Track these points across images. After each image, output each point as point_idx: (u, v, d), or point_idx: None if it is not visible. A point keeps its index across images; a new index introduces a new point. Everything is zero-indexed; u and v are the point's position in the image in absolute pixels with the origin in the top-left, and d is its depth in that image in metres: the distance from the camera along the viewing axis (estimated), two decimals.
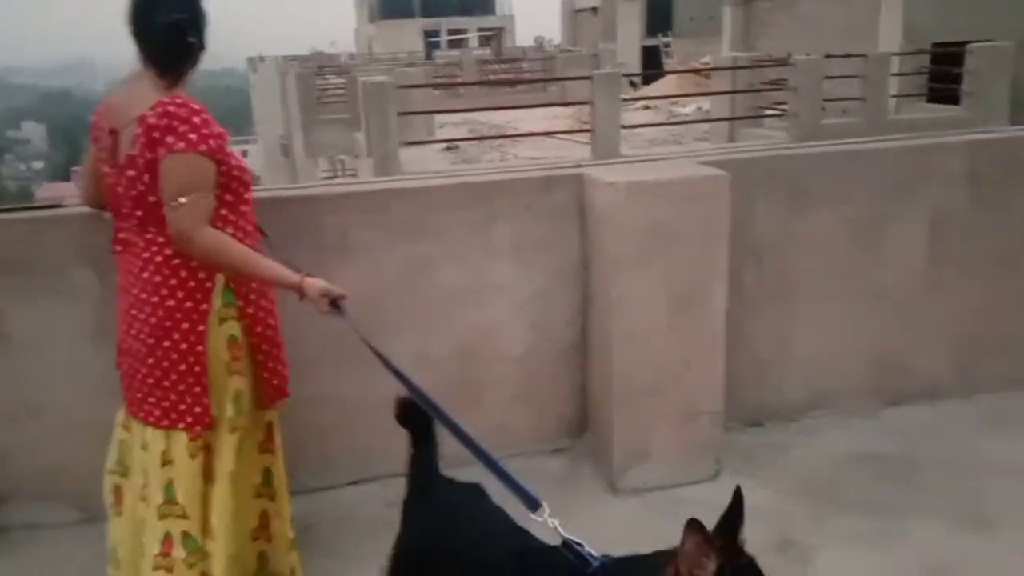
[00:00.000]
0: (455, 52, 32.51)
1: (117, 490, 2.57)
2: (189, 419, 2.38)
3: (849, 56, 12.65)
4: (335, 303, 2.40)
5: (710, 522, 1.44)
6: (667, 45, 28.53)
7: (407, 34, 40.35)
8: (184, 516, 2.38)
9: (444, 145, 13.25)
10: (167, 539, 2.37)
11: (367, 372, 2.39)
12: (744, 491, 1.51)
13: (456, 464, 2.10)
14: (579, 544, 1.69)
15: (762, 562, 1.49)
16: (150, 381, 2.38)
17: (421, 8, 44.07)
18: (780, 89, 12.63)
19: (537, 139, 12.47)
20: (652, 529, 1.74)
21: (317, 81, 18.28)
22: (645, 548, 1.67)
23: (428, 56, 31.61)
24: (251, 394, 2.52)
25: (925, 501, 3.19)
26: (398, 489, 2.22)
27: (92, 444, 2.64)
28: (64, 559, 2.97)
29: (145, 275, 2.36)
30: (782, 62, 13.25)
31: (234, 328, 2.43)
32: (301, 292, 2.37)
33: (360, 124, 11.98)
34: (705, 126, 13.98)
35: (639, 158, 5.22)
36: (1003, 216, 3.89)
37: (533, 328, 3.49)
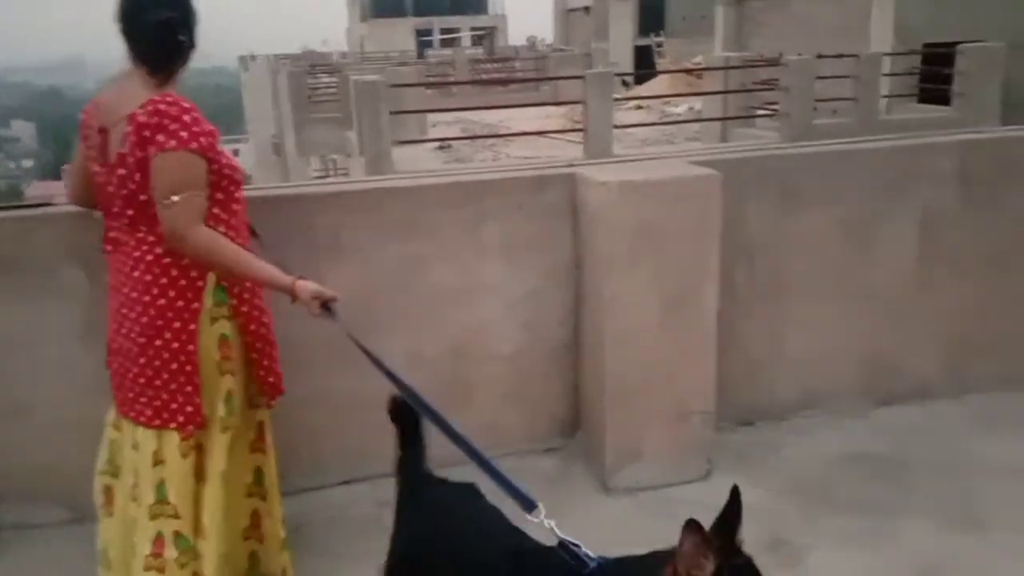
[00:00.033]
0: (447, 51, 32.48)
1: (107, 490, 2.56)
2: (181, 418, 2.37)
3: (841, 56, 12.69)
4: (327, 306, 2.40)
5: (706, 521, 1.43)
6: (659, 45, 28.58)
7: (399, 33, 40.30)
8: (176, 516, 2.37)
9: (436, 144, 13.24)
10: (158, 539, 2.36)
11: (359, 373, 2.38)
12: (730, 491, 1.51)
13: (450, 463, 2.10)
14: (576, 545, 1.68)
15: (755, 562, 1.49)
16: (141, 380, 2.37)
17: (413, 7, 44.02)
18: (772, 89, 12.66)
19: (529, 138, 12.48)
20: (644, 528, 1.74)
21: (309, 80, 18.25)
22: (638, 547, 1.67)
23: (420, 55, 31.58)
24: (242, 393, 2.52)
25: (916, 501, 3.20)
26: (389, 489, 2.21)
27: (82, 444, 2.62)
28: (54, 559, 2.96)
29: (136, 274, 2.35)
30: (774, 62, 13.28)
31: (225, 327, 2.42)
32: (293, 295, 2.37)
33: (352, 123, 11.98)
34: (697, 126, 14.01)
35: (631, 158, 5.22)
36: (993, 216, 3.90)
37: (525, 327, 3.49)
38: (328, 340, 2.53)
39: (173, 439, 2.37)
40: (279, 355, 2.63)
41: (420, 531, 2.05)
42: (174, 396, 2.36)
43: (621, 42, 29.61)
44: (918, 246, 3.84)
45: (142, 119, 2.25)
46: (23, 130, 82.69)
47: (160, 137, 2.23)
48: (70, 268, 2.99)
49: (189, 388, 2.37)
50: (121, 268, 2.40)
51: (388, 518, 2.17)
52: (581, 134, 10.88)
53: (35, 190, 45.45)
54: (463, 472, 2.03)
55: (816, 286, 3.77)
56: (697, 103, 15.40)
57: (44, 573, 2.95)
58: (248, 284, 2.46)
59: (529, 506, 1.79)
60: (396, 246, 3.28)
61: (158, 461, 2.38)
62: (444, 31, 42.68)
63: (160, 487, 2.37)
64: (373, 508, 2.96)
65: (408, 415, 2.19)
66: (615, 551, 1.71)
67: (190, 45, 2.39)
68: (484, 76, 21.33)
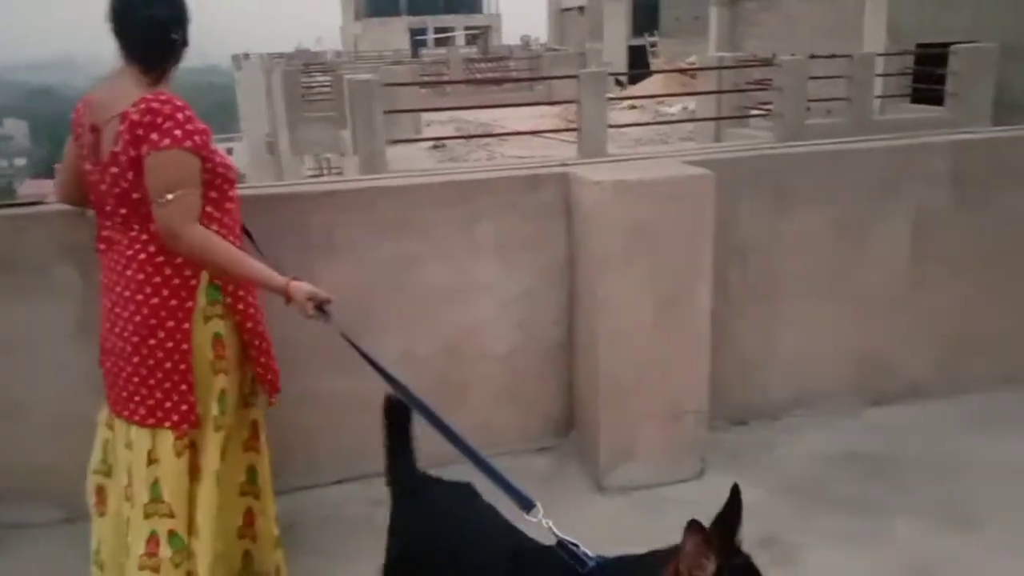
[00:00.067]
0: (442, 50, 32.48)
1: (100, 490, 2.55)
2: (175, 417, 2.37)
3: (834, 57, 12.73)
4: (321, 307, 2.39)
5: (703, 521, 1.44)
6: (653, 45, 28.63)
7: (393, 32, 40.30)
8: (170, 515, 2.36)
9: (431, 143, 13.24)
10: (153, 538, 2.35)
11: (353, 373, 2.38)
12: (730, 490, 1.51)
13: (445, 463, 2.10)
14: (575, 545, 1.68)
15: (754, 561, 1.49)
16: (135, 379, 2.36)
17: (408, 6, 43.99)
18: (765, 89, 12.69)
19: (524, 138, 12.48)
20: (638, 527, 1.75)
21: (303, 79, 18.22)
22: (632, 547, 1.68)
23: (415, 54, 31.58)
24: (236, 392, 2.51)
25: (908, 500, 3.21)
26: (382, 488, 2.21)
27: (75, 443, 2.61)
28: (47, 559, 2.95)
29: (129, 273, 2.35)
30: (767, 62, 13.32)
31: (219, 326, 2.42)
32: (287, 296, 2.36)
33: (346, 122, 11.95)
34: (691, 126, 14.02)
35: (625, 157, 5.22)
36: (986, 216, 3.91)
37: (519, 327, 3.49)
38: (322, 340, 2.53)
39: (167, 438, 2.37)
40: (275, 353, 2.63)
41: (418, 531, 2.04)
42: (168, 395, 2.36)
43: (615, 42, 29.65)
44: (911, 246, 3.85)
45: (135, 117, 2.24)
46: (16, 128, 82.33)
47: (154, 136, 2.23)
48: (63, 267, 2.98)
49: (183, 387, 2.36)
50: (114, 267, 2.39)
51: (381, 517, 2.17)
52: (575, 134, 10.89)
53: (28, 188, 45.32)
54: (459, 471, 2.03)
55: (809, 286, 3.78)
56: (691, 103, 15.40)
57: (37, 573, 2.94)
58: (242, 283, 2.46)
59: (527, 506, 1.79)
60: (390, 245, 3.28)
61: (152, 460, 2.37)
62: (438, 30, 42.68)
63: (154, 486, 2.36)
64: (367, 507, 2.96)
65: (401, 416, 2.19)
66: (609, 550, 1.71)
67: (182, 43, 2.38)
68: (478, 75, 21.34)
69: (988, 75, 12.05)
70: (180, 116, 2.25)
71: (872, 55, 13.18)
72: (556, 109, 15.49)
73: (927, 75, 13.70)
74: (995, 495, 3.23)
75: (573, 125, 11.20)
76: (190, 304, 2.36)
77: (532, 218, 3.40)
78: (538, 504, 1.79)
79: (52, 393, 3.05)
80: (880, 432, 3.73)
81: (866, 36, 15.47)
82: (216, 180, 2.37)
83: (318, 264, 3.06)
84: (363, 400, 2.30)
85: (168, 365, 2.35)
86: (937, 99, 12.90)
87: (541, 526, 1.75)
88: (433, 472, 2.17)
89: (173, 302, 2.34)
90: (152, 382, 2.35)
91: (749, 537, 1.50)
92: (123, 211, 2.33)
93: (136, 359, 2.35)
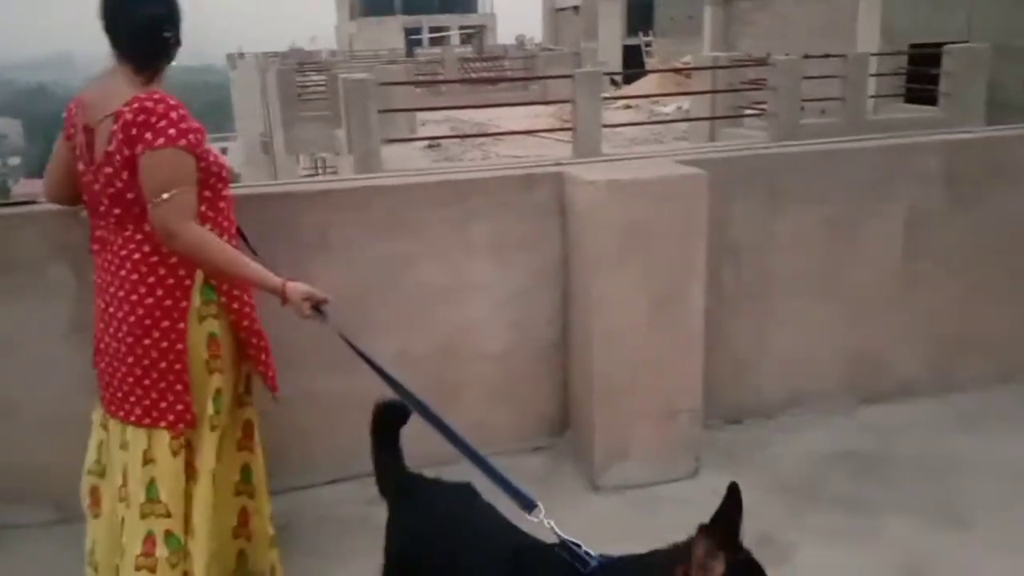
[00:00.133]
0: (436, 50, 32.43)
1: (94, 491, 2.54)
2: (171, 417, 2.36)
3: (828, 56, 12.76)
4: (317, 307, 2.39)
5: (698, 520, 1.44)
6: (648, 44, 28.61)
7: (388, 31, 40.22)
8: (167, 515, 2.36)
9: (426, 143, 13.23)
10: (149, 538, 2.34)
11: (348, 373, 2.38)
12: (724, 488, 1.51)
13: (442, 462, 2.10)
14: (576, 544, 1.68)
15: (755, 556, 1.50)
16: (130, 380, 2.36)
17: (402, 6, 43.95)
18: (760, 89, 12.70)
19: (518, 137, 12.48)
20: (633, 526, 1.75)
21: (297, 78, 18.23)
22: (627, 545, 1.68)
23: (409, 54, 31.53)
24: (231, 391, 2.51)
25: (901, 498, 3.22)
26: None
27: (69, 443, 2.61)
28: (41, 560, 2.94)
29: (123, 273, 2.34)
30: (762, 62, 13.34)
31: (214, 325, 2.41)
32: (283, 296, 2.35)
33: (341, 121, 11.95)
34: (685, 125, 14.04)
35: (619, 157, 5.23)
36: (979, 216, 3.93)
37: (514, 326, 3.49)
38: (317, 340, 2.53)
39: (163, 438, 2.36)
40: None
41: (418, 531, 2.04)
42: (163, 395, 2.35)
43: (610, 41, 29.63)
44: (904, 245, 3.86)
45: (129, 117, 2.23)
46: (9, 127, 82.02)
47: (148, 135, 2.22)
48: (56, 266, 2.98)
49: (179, 386, 2.36)
50: (108, 267, 2.39)
51: (377, 517, 2.16)
52: (570, 133, 10.89)
53: (21, 188, 45.10)
54: (455, 470, 2.03)
55: (803, 285, 3.79)
56: (685, 103, 15.43)
57: (31, 575, 2.93)
58: (237, 282, 2.46)
59: (529, 506, 1.79)
60: (384, 244, 3.28)
61: (148, 460, 2.37)
62: (433, 30, 42.61)
63: (151, 486, 2.36)
64: (362, 507, 2.96)
65: (391, 424, 2.18)
66: (604, 549, 1.71)
67: (175, 42, 2.38)
68: (473, 75, 21.32)
69: (981, 75, 12.09)
70: (174, 115, 2.25)
71: (866, 55, 13.22)
72: (551, 109, 15.49)
73: (921, 75, 13.74)
74: (988, 494, 3.24)
75: (568, 125, 11.20)
76: (185, 304, 2.35)
77: (526, 218, 3.40)
78: (540, 504, 1.79)
79: (46, 393, 3.04)
80: (873, 431, 3.74)
81: (860, 36, 15.50)
82: (210, 179, 2.37)
83: (312, 263, 3.06)
84: (359, 400, 2.30)
85: (163, 365, 2.34)
86: (931, 99, 12.95)
87: (540, 525, 1.75)
88: (432, 472, 2.16)
89: (168, 302, 2.34)
90: (147, 382, 2.35)
91: (743, 535, 1.51)
92: (117, 211, 2.33)
93: (131, 359, 2.34)
